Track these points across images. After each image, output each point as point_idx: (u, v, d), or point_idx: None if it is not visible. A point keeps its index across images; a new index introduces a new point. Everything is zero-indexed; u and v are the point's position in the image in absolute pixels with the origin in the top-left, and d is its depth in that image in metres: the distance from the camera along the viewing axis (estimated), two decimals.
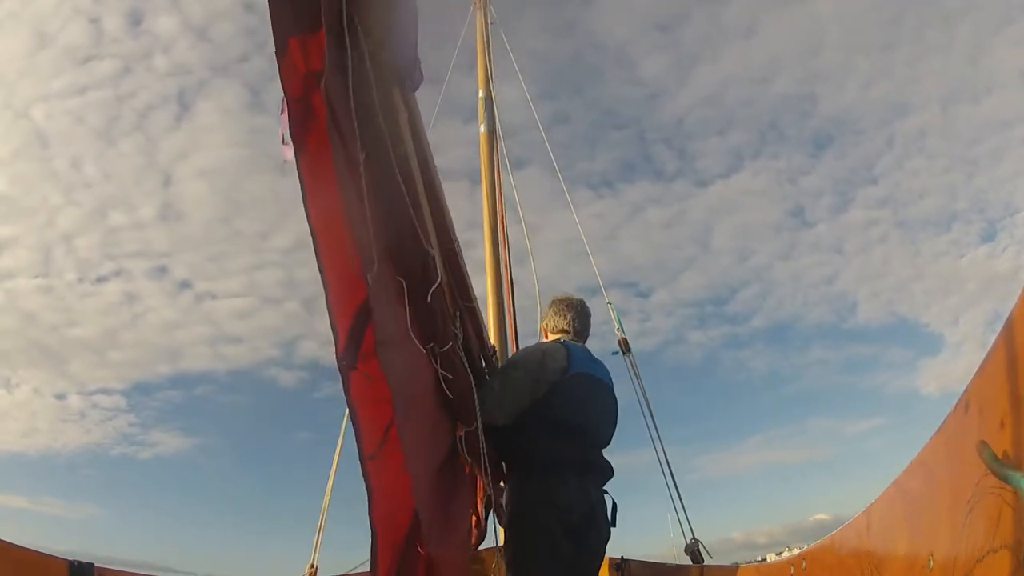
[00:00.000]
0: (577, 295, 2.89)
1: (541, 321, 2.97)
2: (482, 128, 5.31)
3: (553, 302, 2.86)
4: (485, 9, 6.06)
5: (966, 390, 0.94)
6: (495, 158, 5.20)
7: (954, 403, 0.99)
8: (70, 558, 1.64)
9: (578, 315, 2.78)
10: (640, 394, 3.70)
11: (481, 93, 5.49)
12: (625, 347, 3.89)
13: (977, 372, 0.92)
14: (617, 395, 2.78)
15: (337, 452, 3.32)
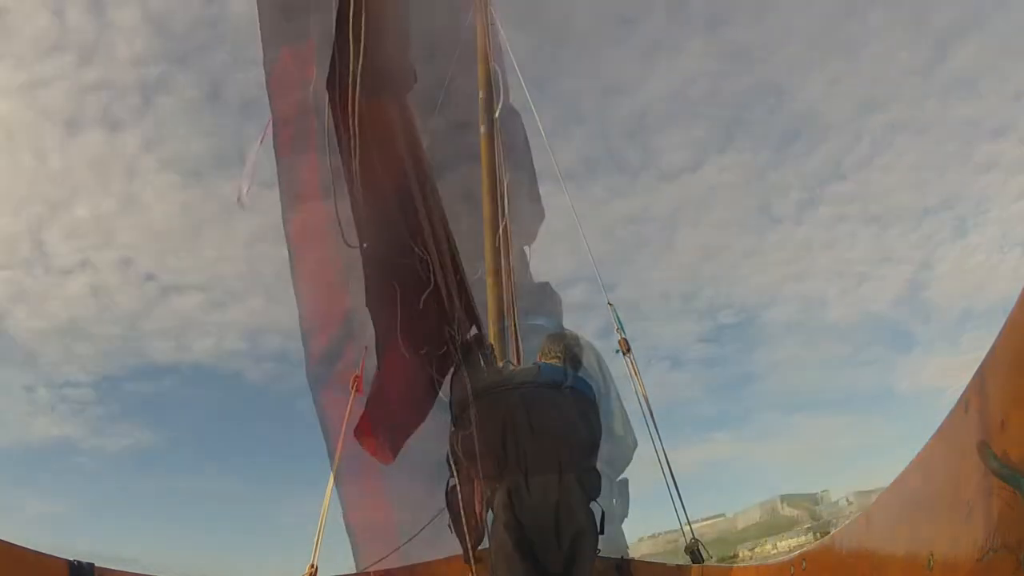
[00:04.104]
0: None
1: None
2: (482, 129, 5.28)
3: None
4: (485, 9, 6.04)
5: (966, 390, 0.94)
6: (496, 160, 5.17)
7: (940, 398, 0.99)
8: (70, 557, 1.64)
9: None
10: (640, 395, 3.69)
11: (481, 94, 5.46)
12: (625, 347, 3.90)
13: (977, 372, 0.92)
14: (618, 394, 2.86)
15: (338, 452, 3.32)
